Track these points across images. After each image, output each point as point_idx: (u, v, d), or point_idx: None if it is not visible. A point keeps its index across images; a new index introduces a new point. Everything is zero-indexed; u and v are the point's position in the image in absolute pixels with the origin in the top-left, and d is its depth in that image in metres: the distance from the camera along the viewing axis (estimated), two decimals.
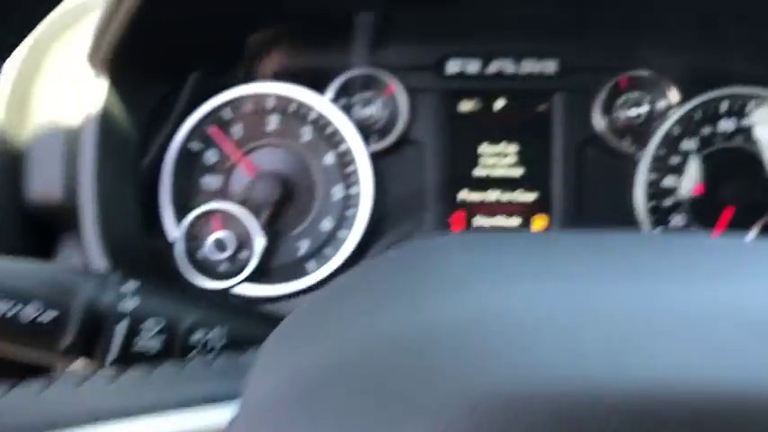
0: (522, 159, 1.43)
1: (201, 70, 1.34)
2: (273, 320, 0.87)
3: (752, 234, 1.29)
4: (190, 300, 0.87)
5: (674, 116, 1.37)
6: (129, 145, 1.25)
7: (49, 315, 0.71)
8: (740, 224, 1.33)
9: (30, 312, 0.70)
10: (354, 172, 1.38)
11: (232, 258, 1.37)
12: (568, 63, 1.40)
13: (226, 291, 1.36)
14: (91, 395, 0.47)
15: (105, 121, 1.18)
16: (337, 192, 1.38)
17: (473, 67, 1.41)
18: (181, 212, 1.37)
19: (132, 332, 0.76)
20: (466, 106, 1.43)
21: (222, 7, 1.21)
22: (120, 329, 0.75)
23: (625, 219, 1.40)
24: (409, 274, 0.49)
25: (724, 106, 1.38)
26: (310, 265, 1.39)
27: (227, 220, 1.37)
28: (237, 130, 1.37)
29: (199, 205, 1.36)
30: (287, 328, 0.52)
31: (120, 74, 1.20)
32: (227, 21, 1.26)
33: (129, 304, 0.77)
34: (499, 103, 1.43)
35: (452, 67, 1.41)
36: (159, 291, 0.84)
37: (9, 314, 0.68)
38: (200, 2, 1.18)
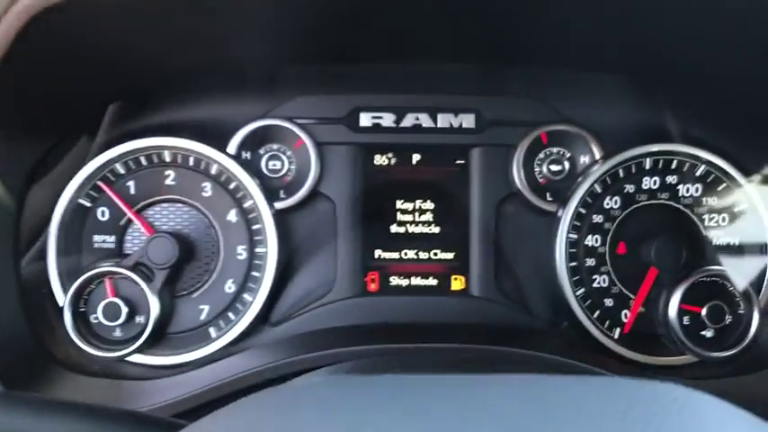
0: (440, 217, 1.36)
1: (87, 127, 1.24)
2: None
3: (676, 296, 1.23)
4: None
5: (597, 173, 1.31)
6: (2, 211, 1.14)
7: None
8: (664, 285, 1.27)
9: None
10: (260, 230, 1.28)
11: (128, 323, 1.26)
12: (486, 117, 1.33)
13: (121, 359, 1.26)
14: None
15: None
16: (242, 251, 1.29)
17: (387, 120, 1.33)
18: (71, 275, 1.26)
19: None
20: (380, 160, 1.35)
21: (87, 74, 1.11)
22: None
23: (545, 280, 1.33)
24: None
25: (648, 163, 1.32)
26: (213, 329, 1.29)
27: (121, 283, 1.27)
28: (131, 185, 1.27)
29: (91, 266, 1.25)
30: None
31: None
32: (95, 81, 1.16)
33: None
34: (415, 158, 1.35)
35: (365, 119, 1.33)
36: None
37: None
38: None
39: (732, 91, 1.25)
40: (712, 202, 1.32)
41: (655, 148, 1.31)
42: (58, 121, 1.20)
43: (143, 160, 1.28)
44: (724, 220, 1.31)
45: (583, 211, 1.31)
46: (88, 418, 0.76)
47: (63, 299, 1.23)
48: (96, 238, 1.28)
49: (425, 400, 0.50)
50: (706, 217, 1.31)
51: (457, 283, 1.35)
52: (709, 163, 1.30)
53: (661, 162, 1.32)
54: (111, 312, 1.25)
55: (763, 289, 1.30)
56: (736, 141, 1.33)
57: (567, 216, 1.30)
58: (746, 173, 1.31)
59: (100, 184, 1.27)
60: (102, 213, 1.28)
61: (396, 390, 0.52)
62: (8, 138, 1.07)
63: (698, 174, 1.31)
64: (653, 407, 0.47)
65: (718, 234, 1.31)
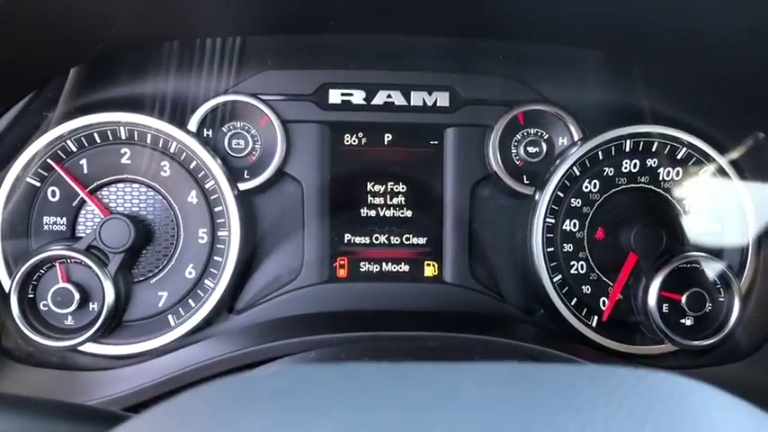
0: (412, 200, 1.30)
1: (37, 95, 1.15)
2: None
3: (656, 284, 1.19)
4: None
5: (575, 155, 1.26)
6: None
7: None
8: (643, 272, 1.22)
9: None
10: (222, 212, 1.21)
11: (80, 311, 1.19)
12: (461, 96, 1.27)
13: (73, 349, 1.18)
14: None
15: None
16: (203, 235, 1.22)
17: (357, 97, 1.26)
18: (19, 259, 1.18)
19: None
20: (350, 140, 1.28)
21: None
22: None
23: (521, 266, 1.28)
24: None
25: (628, 145, 1.27)
26: (172, 317, 1.22)
27: (73, 267, 1.19)
28: (84, 164, 1.19)
29: (41, 250, 1.17)
30: None
31: None
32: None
33: None
34: (387, 138, 1.29)
35: (335, 96, 1.26)
36: None
37: None
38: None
39: (709, 69, 1.21)
40: (693, 186, 1.27)
41: (635, 129, 1.26)
42: (6, 86, 1.11)
43: (96, 137, 1.20)
44: (704, 204, 1.27)
45: (561, 194, 1.26)
46: (21, 412, 0.70)
47: (9, 284, 1.15)
48: (46, 219, 1.20)
49: (399, 390, 0.44)
50: (686, 202, 1.27)
51: (429, 270, 1.30)
52: (690, 145, 1.26)
53: (641, 144, 1.27)
54: (63, 299, 1.17)
55: (743, 276, 1.27)
56: (715, 122, 1.29)
57: (544, 199, 1.25)
58: (726, 154, 1.27)
59: (50, 161, 1.19)
60: (53, 193, 1.20)
61: (360, 380, 0.46)
62: None
63: (679, 157, 1.27)
64: (650, 397, 0.42)
65: (699, 219, 1.27)
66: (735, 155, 1.27)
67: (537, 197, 1.26)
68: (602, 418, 0.40)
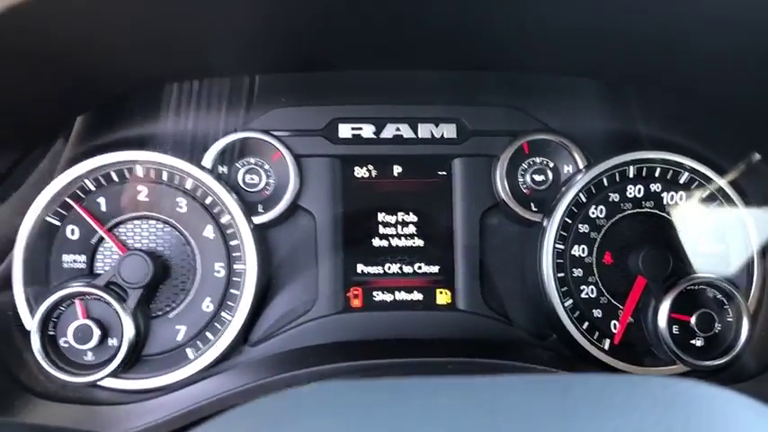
0: (423, 230, 1.33)
1: (59, 137, 1.19)
2: None
3: (665, 306, 1.21)
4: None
5: (581, 182, 1.29)
6: None
7: None
8: (652, 294, 1.25)
9: None
10: (238, 246, 1.24)
11: (100, 346, 1.21)
12: (467, 127, 1.31)
13: (93, 384, 1.20)
14: None
15: None
16: (220, 269, 1.24)
17: (367, 131, 1.30)
18: (39, 296, 1.21)
19: None
20: (361, 173, 1.32)
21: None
22: None
23: (532, 291, 1.31)
24: None
25: (632, 171, 1.31)
26: (191, 350, 1.24)
27: (92, 304, 1.21)
28: (102, 202, 1.22)
29: (60, 287, 1.19)
30: None
31: None
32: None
33: None
34: (396, 170, 1.32)
35: (344, 131, 1.30)
36: None
37: None
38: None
39: (708, 96, 1.24)
40: (697, 209, 1.30)
41: (638, 155, 1.30)
42: (23, 133, 1.15)
43: (114, 175, 1.23)
44: (709, 226, 1.30)
45: (568, 220, 1.29)
46: None
47: (31, 322, 1.17)
48: (65, 257, 1.23)
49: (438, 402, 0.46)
50: (691, 224, 1.30)
51: (443, 297, 1.32)
52: (692, 170, 1.29)
53: (644, 170, 1.30)
54: (83, 335, 1.19)
55: (751, 295, 1.29)
56: (716, 146, 1.33)
57: (552, 226, 1.28)
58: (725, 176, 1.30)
59: (69, 200, 1.21)
60: (72, 232, 1.23)
61: (395, 393, 0.49)
62: None
63: (681, 181, 1.30)
64: (679, 404, 0.44)
65: (704, 241, 1.30)
66: (732, 177, 1.31)
67: (545, 224, 1.29)
68: (636, 422, 0.42)
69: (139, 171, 1.23)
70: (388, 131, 1.30)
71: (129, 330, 1.18)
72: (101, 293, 1.18)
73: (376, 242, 1.32)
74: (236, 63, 1.20)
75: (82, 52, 1.00)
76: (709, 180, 1.29)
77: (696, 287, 1.25)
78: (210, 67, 1.19)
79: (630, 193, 1.31)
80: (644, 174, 1.30)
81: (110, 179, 1.23)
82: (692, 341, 1.25)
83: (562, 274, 1.28)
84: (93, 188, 1.23)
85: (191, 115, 1.27)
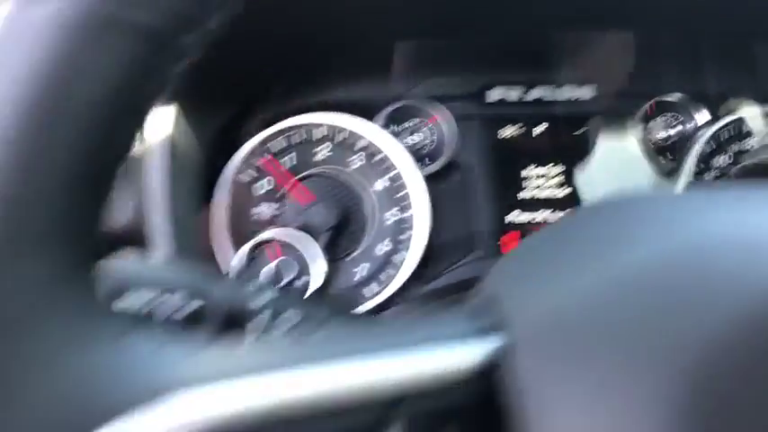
0: (567, 180, 1.48)
1: (259, 101, 1.37)
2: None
3: None
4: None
5: (706, 135, 1.45)
6: (194, 173, 1.26)
7: (194, 305, 0.70)
8: None
9: (175, 301, 0.69)
10: (405, 196, 1.40)
11: (287, 287, 1.36)
12: (604, 89, 1.48)
13: None
14: (325, 339, 0.46)
15: (174, 148, 1.19)
16: (391, 216, 1.40)
17: (513, 95, 1.47)
18: (235, 244, 1.36)
19: (270, 324, 0.75)
20: (509, 132, 1.48)
21: (291, 42, 1.25)
22: (261, 320, 0.74)
23: None
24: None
25: (747, 125, 1.46)
26: (367, 290, 1.39)
27: (283, 248, 1.37)
28: (289, 159, 1.39)
29: (251, 236, 1.35)
30: (520, 265, 0.53)
31: (187, 102, 1.22)
32: (292, 53, 1.30)
33: (267, 296, 0.76)
34: (540, 128, 1.49)
35: (493, 95, 1.47)
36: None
37: (155, 302, 0.67)
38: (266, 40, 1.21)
39: None
40: None
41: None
42: (229, 97, 1.33)
43: (300, 135, 1.40)
44: None
45: (697, 169, 1.44)
46: None
47: (229, 267, 1.33)
48: (257, 210, 1.39)
49: None
50: None
51: None
52: None
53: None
54: (278, 274, 1.34)
55: None
56: None
57: (685, 174, 1.43)
58: None
59: (261, 159, 1.39)
60: (263, 186, 1.39)
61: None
62: (209, 99, 1.20)
63: None
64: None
65: None
66: None
67: (677, 171, 1.44)
68: None
69: (321, 131, 1.41)
70: (532, 95, 1.47)
71: (320, 268, 1.33)
72: (295, 236, 1.34)
73: (524, 193, 1.48)
74: (401, 30, 1.38)
75: (299, 25, 1.19)
76: None
77: None
78: (395, 32, 1.37)
79: (748, 146, 1.46)
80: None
81: (296, 139, 1.40)
82: None
83: None
84: (283, 147, 1.40)
85: (363, 85, 1.45)
